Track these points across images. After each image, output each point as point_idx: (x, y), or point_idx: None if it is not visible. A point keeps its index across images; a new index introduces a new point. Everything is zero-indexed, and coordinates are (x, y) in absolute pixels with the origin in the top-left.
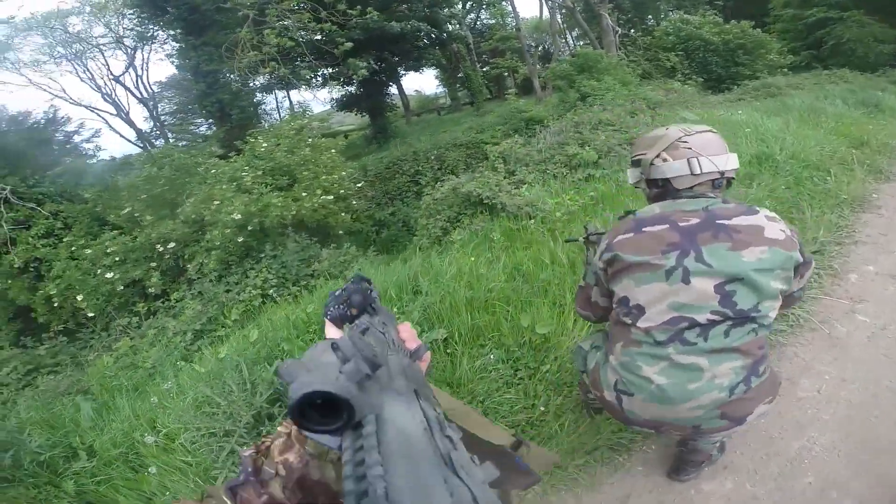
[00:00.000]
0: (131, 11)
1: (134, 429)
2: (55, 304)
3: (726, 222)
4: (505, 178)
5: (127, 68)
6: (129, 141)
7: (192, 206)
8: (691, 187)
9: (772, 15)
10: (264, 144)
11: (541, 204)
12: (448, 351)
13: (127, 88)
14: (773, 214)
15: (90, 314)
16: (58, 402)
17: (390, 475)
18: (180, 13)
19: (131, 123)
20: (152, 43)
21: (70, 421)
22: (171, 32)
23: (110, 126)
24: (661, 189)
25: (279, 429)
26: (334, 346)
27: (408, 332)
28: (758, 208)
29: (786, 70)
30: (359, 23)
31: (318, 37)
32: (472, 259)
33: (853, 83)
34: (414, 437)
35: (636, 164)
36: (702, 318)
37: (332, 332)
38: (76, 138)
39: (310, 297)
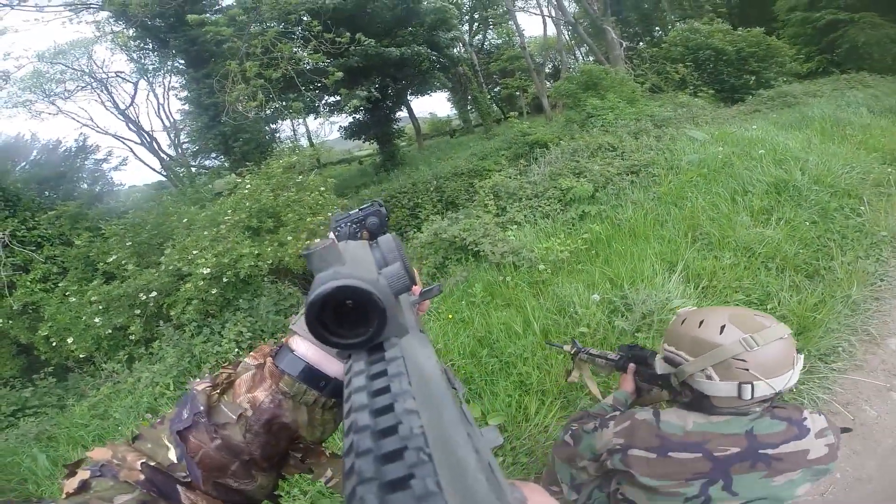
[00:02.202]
0: (136, 43)
1: None
2: (53, 343)
3: (770, 451)
4: (496, 215)
5: (133, 100)
6: (153, 170)
7: (168, 258)
8: (731, 406)
9: (779, 20)
10: (248, 185)
11: (526, 252)
12: None
13: (131, 120)
14: (823, 424)
15: (82, 355)
16: (25, 449)
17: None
18: (181, 45)
19: (154, 152)
20: (155, 76)
21: (27, 469)
22: (175, 65)
23: (136, 155)
24: (694, 397)
25: (247, 359)
26: (372, 244)
27: (416, 275)
28: (808, 425)
29: (800, 77)
30: (357, 50)
31: (308, 67)
32: (438, 325)
33: (875, 88)
34: (434, 378)
35: (670, 362)
36: None
37: None
38: (105, 166)
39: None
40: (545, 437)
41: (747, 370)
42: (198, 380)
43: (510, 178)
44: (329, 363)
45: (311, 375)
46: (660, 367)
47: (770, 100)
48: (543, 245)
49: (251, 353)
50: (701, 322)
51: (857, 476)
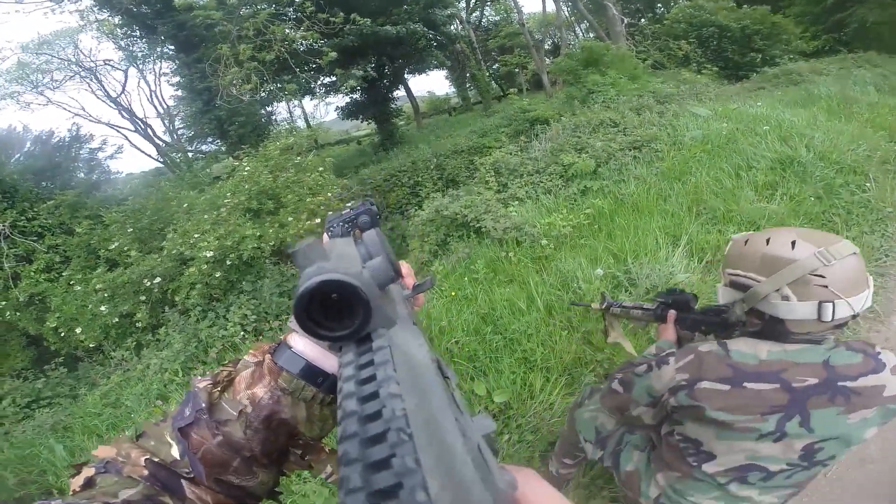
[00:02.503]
0: (122, 31)
1: None
2: (62, 334)
3: (849, 384)
4: (497, 192)
5: (123, 88)
6: (150, 156)
7: (171, 242)
8: (808, 332)
9: None
10: (247, 168)
11: (528, 227)
12: None
13: (123, 108)
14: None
15: (91, 345)
16: (42, 440)
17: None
18: (169, 31)
19: (150, 139)
20: (145, 63)
21: (46, 460)
22: (164, 51)
23: (131, 142)
24: (765, 324)
25: (246, 357)
26: (357, 239)
27: (406, 269)
28: (884, 358)
29: (806, 56)
30: (352, 29)
31: (302, 48)
32: (441, 303)
33: (883, 67)
34: (423, 367)
35: (737, 286)
36: (775, 468)
37: None
38: (100, 155)
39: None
40: (550, 415)
41: (826, 287)
42: (199, 377)
43: (511, 154)
44: (326, 359)
45: (309, 372)
46: (722, 295)
47: (775, 77)
48: (545, 221)
49: (251, 351)
50: (768, 239)
51: (860, 457)
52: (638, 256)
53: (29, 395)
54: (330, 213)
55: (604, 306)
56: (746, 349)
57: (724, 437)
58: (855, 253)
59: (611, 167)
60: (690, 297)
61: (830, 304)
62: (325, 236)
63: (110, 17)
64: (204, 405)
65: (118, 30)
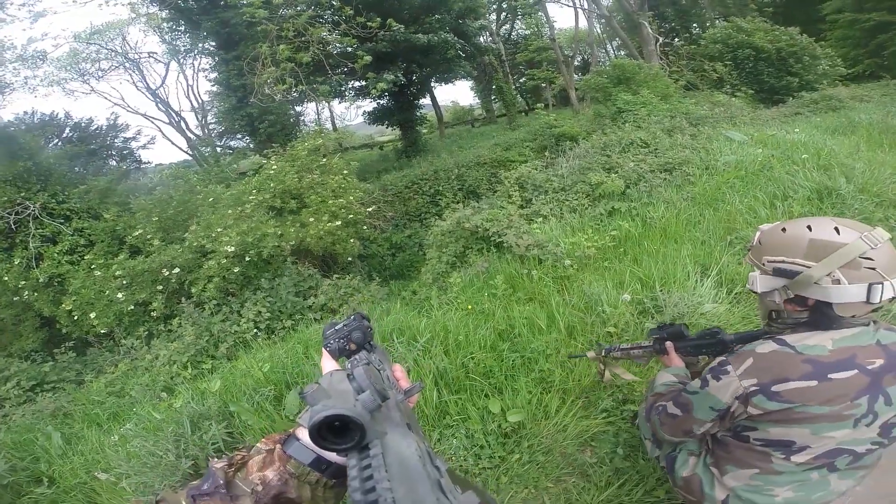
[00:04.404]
0: (168, 25)
1: (94, 463)
2: (75, 317)
3: None
4: (520, 207)
5: (163, 81)
6: (180, 149)
7: (193, 235)
8: (853, 315)
9: (826, 20)
10: (275, 166)
11: (552, 246)
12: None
13: (161, 100)
14: None
15: (102, 331)
16: (38, 426)
17: (394, 491)
18: (213, 27)
19: (182, 132)
20: (186, 57)
21: (41, 447)
22: (205, 46)
23: (164, 134)
24: (809, 310)
25: (259, 445)
26: (350, 376)
27: (400, 372)
28: None
29: (846, 80)
30: (386, 35)
31: (337, 51)
32: (458, 316)
33: None
34: (411, 462)
35: (783, 273)
36: (861, 449)
37: (328, 363)
38: (133, 144)
39: (283, 344)
40: (563, 437)
41: (875, 269)
42: (216, 459)
43: (537, 170)
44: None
45: (315, 460)
46: (761, 283)
47: (813, 102)
48: (570, 240)
49: (262, 440)
50: (809, 226)
51: None
52: (666, 284)
53: (34, 378)
54: (326, 324)
55: (602, 354)
56: (811, 342)
57: (820, 431)
58: (891, 238)
59: (640, 189)
60: (682, 326)
61: (880, 286)
62: (324, 351)
63: (159, 11)
64: (221, 482)
65: (164, 24)
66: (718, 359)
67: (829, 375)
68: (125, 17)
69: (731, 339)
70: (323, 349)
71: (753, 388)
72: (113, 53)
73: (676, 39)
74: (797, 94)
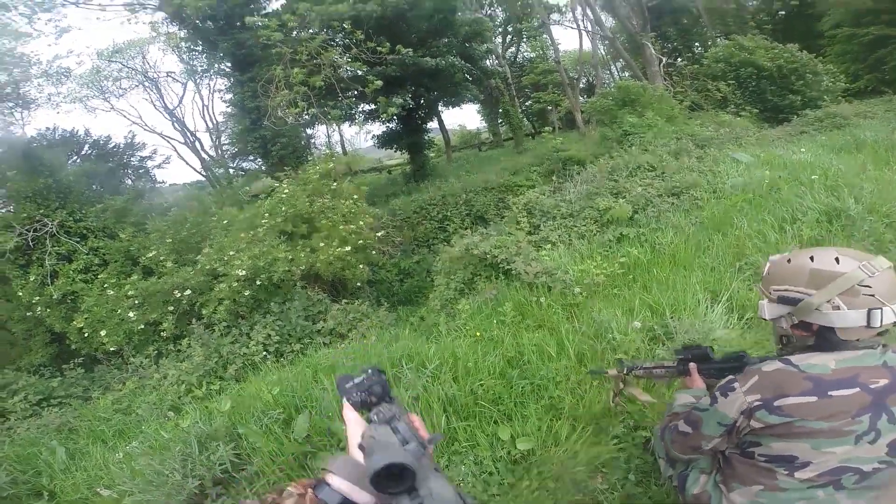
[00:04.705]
0: (186, 45)
1: (96, 479)
2: (85, 335)
3: None
4: (529, 234)
5: (181, 101)
6: (194, 169)
7: (206, 258)
8: (857, 338)
9: (825, 36)
10: (287, 189)
11: (560, 273)
12: None
13: (177, 120)
14: None
15: (112, 349)
16: (43, 441)
17: None
18: (229, 48)
19: (196, 152)
20: (203, 77)
21: (44, 461)
22: (221, 67)
23: (178, 154)
24: (814, 335)
25: (289, 489)
26: (394, 429)
27: (419, 422)
28: None
29: (848, 96)
30: (395, 59)
31: (348, 74)
32: (467, 343)
33: None
34: (451, 500)
35: (787, 301)
36: (867, 467)
37: (352, 414)
38: (149, 164)
39: (291, 368)
40: (574, 463)
41: (873, 296)
42: (248, 501)
43: (545, 195)
44: (358, 495)
45: (342, 502)
46: (769, 310)
47: (818, 121)
48: (578, 267)
49: (293, 484)
50: (812, 257)
51: None
52: (676, 310)
53: (42, 392)
54: (339, 376)
55: (624, 372)
56: (815, 361)
57: (820, 446)
58: (891, 266)
59: (648, 214)
60: (707, 349)
61: (879, 311)
62: (346, 403)
63: (178, 31)
64: None
65: (183, 43)
66: (727, 377)
67: (830, 392)
68: (146, 35)
69: (755, 363)
70: (344, 401)
71: (757, 403)
72: (133, 72)
73: (679, 59)
74: (801, 113)
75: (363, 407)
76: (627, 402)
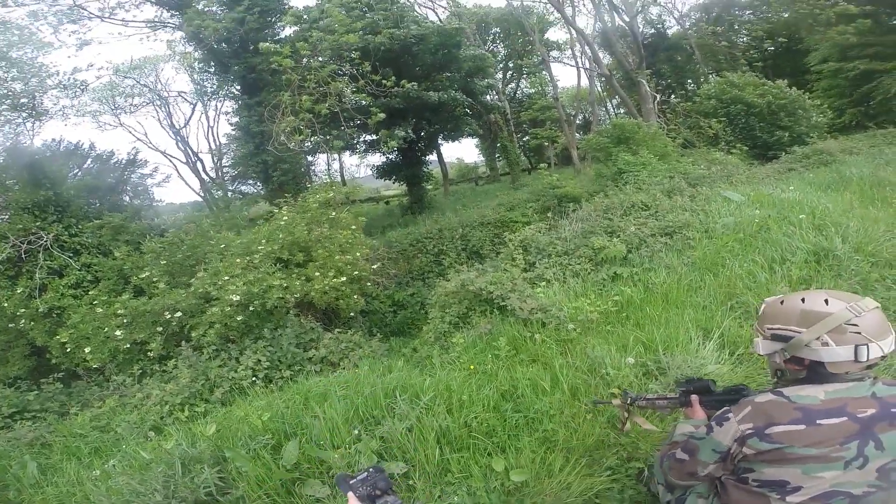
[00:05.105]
0: (199, 66)
1: (68, 496)
2: (68, 350)
3: None
4: (524, 270)
5: (188, 121)
6: (193, 189)
7: (200, 281)
8: (846, 371)
9: (812, 72)
10: (285, 217)
11: (555, 310)
12: (410, 482)
13: (182, 139)
14: None
15: (94, 365)
16: (13, 454)
17: None
18: (240, 71)
19: (197, 173)
20: (211, 99)
21: (13, 475)
22: (231, 90)
23: (179, 174)
24: (806, 368)
25: None
26: None
27: None
28: None
29: (833, 132)
30: (399, 92)
31: (353, 105)
32: (461, 376)
33: None
34: None
35: (779, 338)
36: (857, 491)
37: None
38: (148, 182)
39: (281, 394)
40: (567, 494)
41: (860, 333)
42: None
43: (540, 232)
44: None
45: None
46: (763, 347)
47: (805, 157)
48: (573, 304)
49: None
50: (803, 299)
51: None
52: (669, 347)
53: (16, 405)
54: (339, 473)
55: (628, 402)
56: (805, 392)
57: (810, 471)
58: (878, 307)
59: (641, 254)
60: (709, 382)
61: (865, 347)
62: (352, 495)
63: (194, 51)
64: None
65: (196, 63)
66: (723, 408)
67: (818, 421)
68: (161, 52)
69: (753, 395)
70: (350, 494)
71: (749, 431)
72: (146, 89)
73: (672, 96)
74: (789, 150)
75: (369, 500)
76: (635, 427)
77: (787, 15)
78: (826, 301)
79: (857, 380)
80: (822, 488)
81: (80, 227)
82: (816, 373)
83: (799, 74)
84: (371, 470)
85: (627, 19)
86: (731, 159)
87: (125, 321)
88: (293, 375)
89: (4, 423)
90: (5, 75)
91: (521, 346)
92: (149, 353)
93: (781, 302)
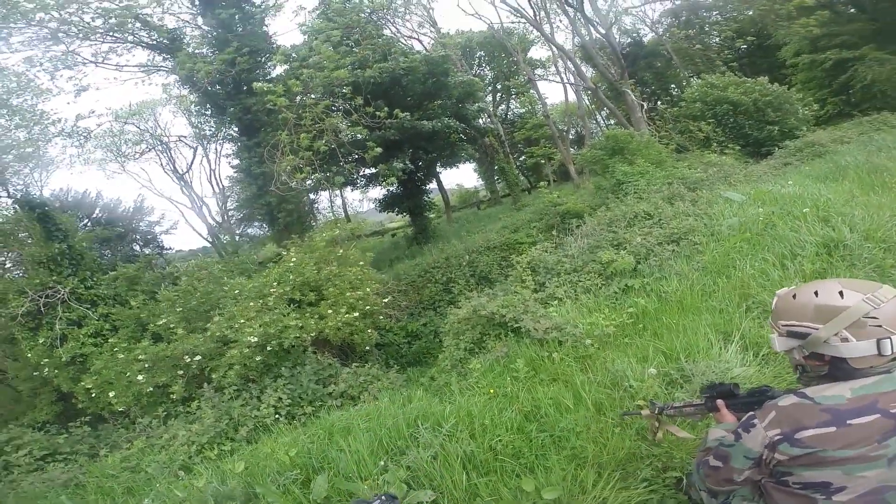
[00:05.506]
0: (196, 109)
1: None
2: (93, 395)
3: None
4: (534, 291)
5: (190, 166)
6: (200, 235)
7: (217, 325)
8: (871, 366)
9: (788, 66)
10: (294, 258)
11: (570, 328)
12: None
13: (186, 184)
14: None
15: (120, 409)
16: (49, 495)
17: None
18: (236, 112)
19: (203, 218)
20: (211, 142)
21: None
22: (229, 132)
23: (186, 220)
24: (827, 364)
25: None
26: None
27: None
28: None
29: (820, 122)
30: (393, 123)
31: (349, 139)
32: (481, 401)
33: None
34: None
35: (795, 335)
36: None
37: None
38: (157, 229)
39: (305, 429)
40: None
41: (880, 326)
42: None
43: (547, 252)
44: None
45: None
46: (779, 344)
47: (798, 151)
48: (587, 320)
49: None
50: (816, 292)
51: None
52: (690, 354)
53: (47, 448)
54: (354, 500)
55: (656, 412)
56: (829, 392)
57: (852, 472)
58: None
59: (651, 264)
60: (732, 385)
61: (888, 340)
62: None
63: (189, 94)
64: None
65: (193, 107)
66: (748, 414)
67: (848, 421)
68: (157, 96)
69: (778, 395)
70: None
71: (778, 437)
72: (147, 135)
73: (659, 103)
74: (781, 144)
75: None
76: (667, 436)
77: (751, 12)
78: (841, 293)
79: (883, 373)
80: (869, 486)
81: (94, 279)
82: (839, 369)
83: (776, 70)
84: (383, 497)
85: (603, 31)
86: (726, 160)
87: (146, 366)
88: (315, 411)
89: (37, 465)
90: (8, 123)
91: (540, 367)
92: (171, 395)
93: (794, 296)
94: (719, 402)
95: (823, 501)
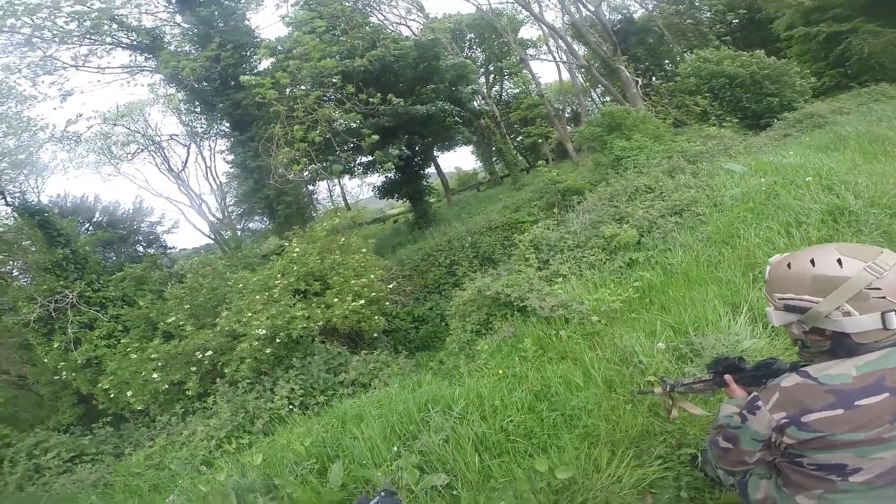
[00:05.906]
0: (185, 106)
1: None
2: (112, 395)
3: None
4: (538, 269)
5: (185, 164)
6: (202, 232)
7: (225, 320)
8: (876, 340)
9: (781, 39)
10: (297, 249)
11: (576, 305)
12: (454, 492)
13: (183, 182)
14: None
15: (138, 408)
16: (80, 496)
17: None
18: (226, 108)
19: (203, 215)
20: (203, 139)
21: None
22: (221, 128)
23: (186, 218)
24: (830, 340)
25: None
26: None
27: None
28: None
29: (817, 94)
30: (387, 109)
31: (343, 128)
32: (491, 382)
33: None
34: None
35: (793, 310)
36: None
37: None
38: (158, 229)
39: (318, 419)
40: (619, 488)
41: (884, 298)
42: None
43: (549, 229)
44: None
45: None
46: (776, 318)
47: (798, 122)
48: (593, 296)
49: None
50: (812, 260)
51: None
52: (699, 327)
53: (73, 449)
54: (358, 497)
55: (668, 389)
56: (834, 371)
57: (866, 454)
58: None
59: (654, 236)
60: (737, 359)
61: (893, 313)
62: None
63: (176, 93)
64: None
65: (182, 105)
66: (752, 394)
67: (856, 402)
68: (145, 97)
69: (787, 368)
70: None
71: (784, 421)
72: (139, 135)
73: (654, 78)
74: (780, 116)
75: None
76: (682, 413)
77: None
78: (839, 261)
79: (889, 346)
80: (886, 466)
81: (101, 282)
82: (842, 344)
83: (769, 43)
84: (382, 494)
85: (593, 8)
86: (725, 132)
87: (160, 364)
88: (327, 400)
89: (66, 466)
90: None
91: (548, 345)
92: (187, 391)
93: (789, 265)
94: (727, 377)
95: (840, 482)
